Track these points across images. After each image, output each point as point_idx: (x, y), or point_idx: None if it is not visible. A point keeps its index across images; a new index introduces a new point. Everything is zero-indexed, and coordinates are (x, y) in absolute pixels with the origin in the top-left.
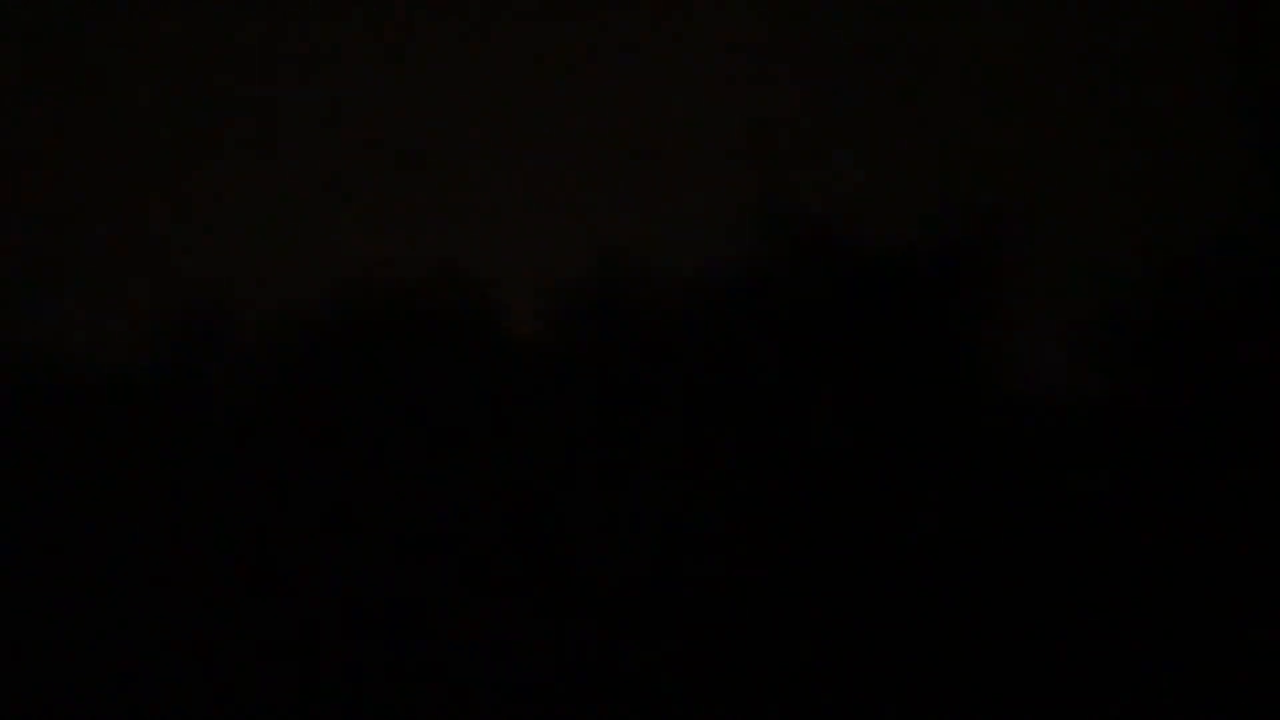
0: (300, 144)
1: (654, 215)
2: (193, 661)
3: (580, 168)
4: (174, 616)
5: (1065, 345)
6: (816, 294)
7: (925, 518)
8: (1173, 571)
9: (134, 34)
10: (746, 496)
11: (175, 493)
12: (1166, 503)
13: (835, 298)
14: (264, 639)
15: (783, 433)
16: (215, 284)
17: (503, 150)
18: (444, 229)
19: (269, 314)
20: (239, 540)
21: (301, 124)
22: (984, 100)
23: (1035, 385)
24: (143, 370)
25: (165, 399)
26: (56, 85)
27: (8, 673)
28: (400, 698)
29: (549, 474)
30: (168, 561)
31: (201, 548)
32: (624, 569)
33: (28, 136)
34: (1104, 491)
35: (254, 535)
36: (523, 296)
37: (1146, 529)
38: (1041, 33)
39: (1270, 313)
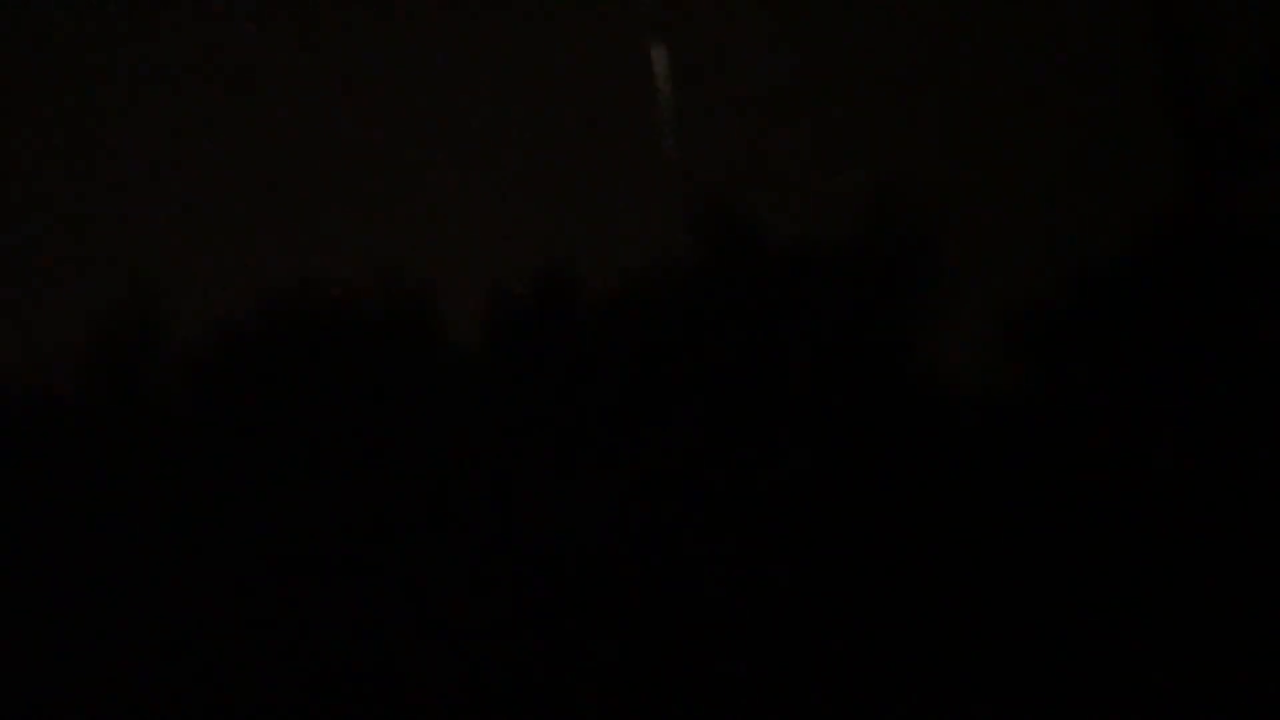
0: (234, 147)
1: (595, 220)
2: (140, 671)
3: (522, 171)
4: (114, 629)
5: (995, 339)
6: (751, 292)
7: (863, 512)
8: (1114, 565)
9: (61, 32)
10: (690, 499)
11: (109, 506)
12: (1102, 498)
13: (769, 295)
14: (208, 654)
15: (723, 433)
16: (146, 291)
17: (442, 153)
18: (382, 233)
19: (202, 321)
20: (178, 552)
21: (236, 127)
22: (912, 94)
23: (966, 379)
24: (72, 381)
25: (95, 410)
26: None
27: None
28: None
29: (492, 478)
30: (106, 576)
31: (140, 559)
32: (570, 576)
33: None
34: (1037, 486)
35: (192, 546)
36: (463, 301)
37: (1081, 523)
38: (969, 24)
39: (1202, 306)
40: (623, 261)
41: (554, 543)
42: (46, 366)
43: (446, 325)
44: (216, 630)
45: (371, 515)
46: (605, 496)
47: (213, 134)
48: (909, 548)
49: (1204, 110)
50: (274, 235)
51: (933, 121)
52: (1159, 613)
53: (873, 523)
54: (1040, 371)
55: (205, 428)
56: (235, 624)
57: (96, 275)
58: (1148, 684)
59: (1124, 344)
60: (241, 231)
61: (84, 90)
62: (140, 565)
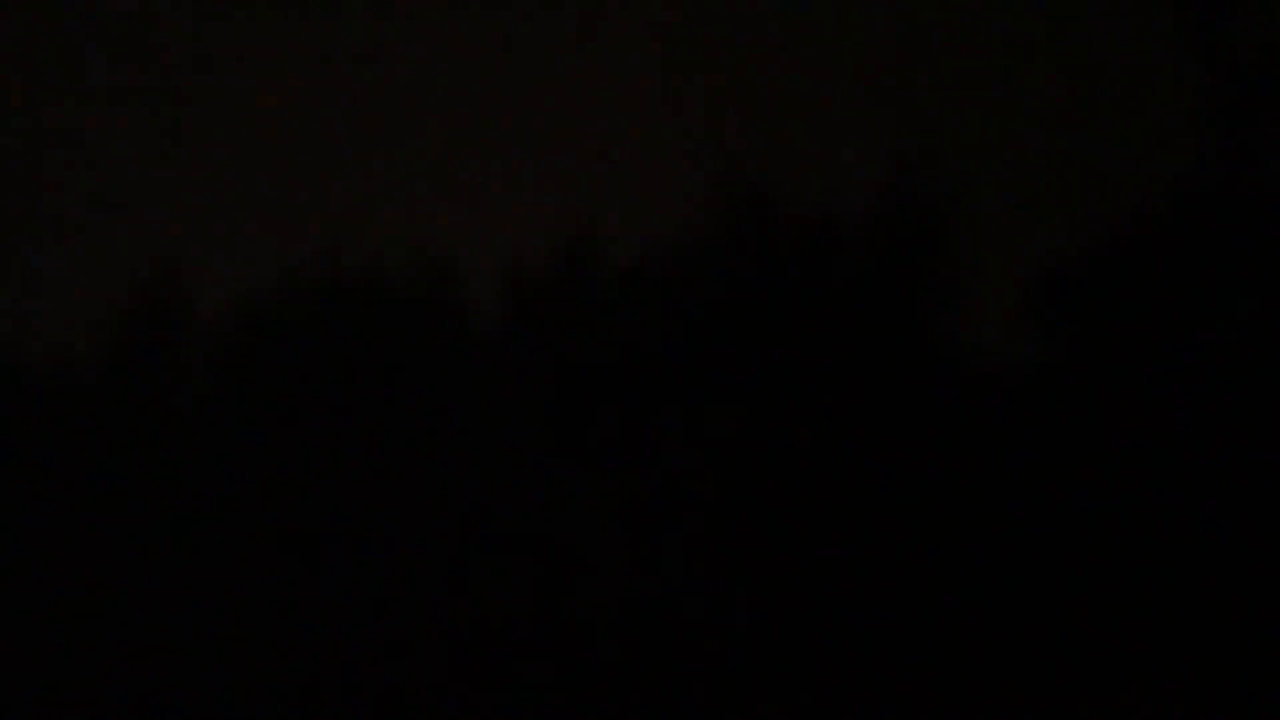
0: (259, 127)
1: (616, 195)
2: (153, 652)
3: (544, 148)
4: (132, 607)
5: (1011, 309)
6: (769, 267)
7: (877, 485)
8: (1122, 536)
9: (82, 19)
10: (710, 471)
11: (135, 483)
12: (1114, 468)
13: (787, 270)
14: (226, 629)
15: (742, 406)
16: (171, 268)
17: (466, 131)
18: (406, 210)
19: (228, 297)
20: (202, 529)
21: (259, 107)
22: (931, 68)
23: (988, 347)
24: (99, 359)
25: (122, 387)
26: (3, 76)
27: None
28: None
29: (512, 454)
30: (129, 553)
31: (164, 537)
32: (589, 548)
33: None
34: (1049, 455)
35: (217, 522)
36: (486, 277)
37: (1093, 494)
38: None
39: (1217, 276)
40: (644, 234)
41: (577, 513)
42: (72, 343)
43: (469, 300)
44: (239, 600)
45: (394, 489)
46: (628, 465)
47: (236, 112)
48: (930, 513)
49: (1230, 72)
50: (296, 213)
51: (954, 91)
52: (1178, 580)
53: (895, 489)
54: (1063, 340)
55: (229, 403)
56: (258, 594)
57: (121, 253)
58: (1165, 647)
59: (1148, 310)
60: (264, 209)
61: (109, 68)
62: (164, 538)
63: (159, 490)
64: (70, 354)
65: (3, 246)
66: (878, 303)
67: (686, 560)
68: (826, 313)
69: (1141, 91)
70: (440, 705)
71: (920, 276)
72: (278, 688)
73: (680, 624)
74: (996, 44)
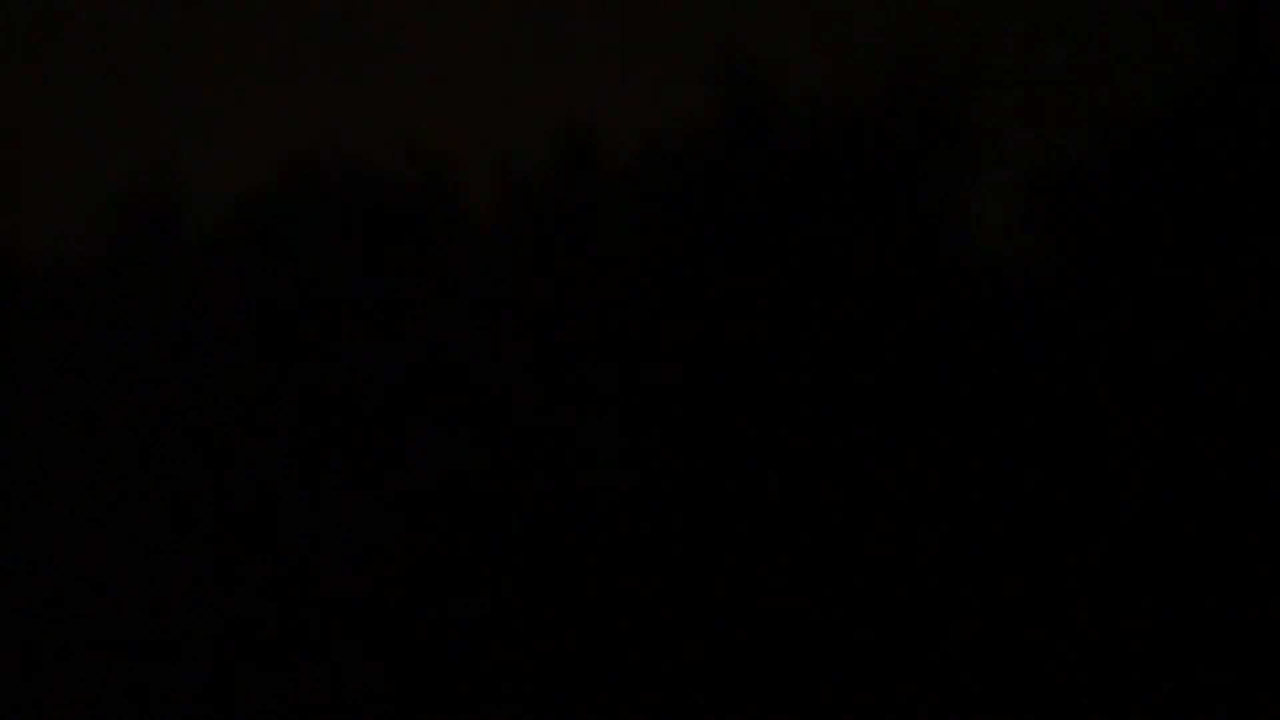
0: (252, 18)
1: (612, 85)
2: (151, 565)
3: (541, 41)
4: (124, 503)
5: (1014, 209)
6: (770, 157)
7: (878, 383)
8: (1120, 438)
9: None
10: (711, 368)
11: (129, 382)
12: (1116, 366)
13: (789, 161)
14: (226, 534)
15: (742, 298)
16: (166, 163)
17: (461, 24)
18: (400, 101)
19: (222, 193)
20: (200, 429)
21: (254, 2)
22: None
23: (983, 249)
24: (95, 255)
25: (117, 282)
26: None
27: None
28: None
29: (507, 348)
30: (126, 453)
31: (160, 437)
32: (584, 447)
33: None
34: (1052, 356)
35: (213, 421)
36: (482, 172)
37: (1094, 394)
38: None
39: (1222, 177)
40: (643, 128)
41: (572, 408)
42: (66, 239)
43: (465, 194)
44: (234, 492)
45: (387, 386)
46: (623, 359)
47: (230, 8)
48: (929, 413)
49: None
50: (291, 108)
51: None
52: (1174, 495)
53: (895, 386)
54: (1066, 241)
55: (222, 298)
56: (252, 487)
57: (115, 148)
58: (1168, 572)
59: (1151, 212)
60: (258, 105)
61: None
62: (158, 435)
63: (154, 385)
64: (65, 250)
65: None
66: (880, 199)
67: (686, 457)
68: (828, 208)
69: None
70: (440, 593)
71: (923, 172)
72: (275, 575)
73: (678, 521)
74: None
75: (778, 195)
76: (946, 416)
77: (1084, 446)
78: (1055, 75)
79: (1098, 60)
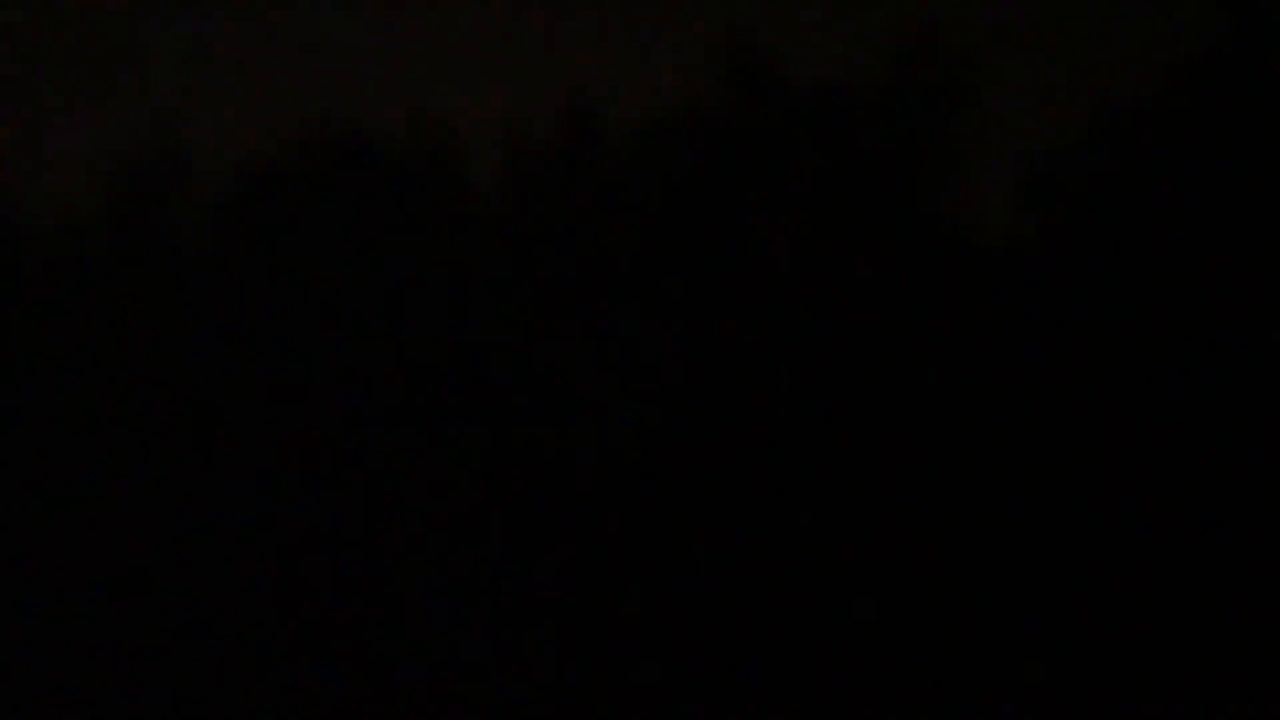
0: None
1: (618, 58)
2: (148, 531)
3: (545, 12)
4: (129, 466)
5: (1014, 189)
6: (773, 134)
7: (877, 357)
8: (1116, 415)
9: None
10: (709, 338)
11: (131, 349)
12: (1111, 347)
13: (790, 137)
14: (228, 505)
15: (744, 273)
16: (170, 132)
17: None
18: (407, 73)
19: (225, 159)
20: (197, 396)
21: None
22: None
23: (983, 228)
24: (97, 222)
25: (121, 251)
26: None
27: None
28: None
29: (513, 321)
30: (128, 423)
31: (159, 404)
32: (590, 419)
33: None
34: (1050, 335)
35: (213, 388)
36: (486, 140)
37: (1089, 373)
38: None
39: (1222, 158)
40: (647, 101)
41: (577, 381)
42: (70, 202)
43: (468, 162)
44: (239, 459)
45: (392, 353)
46: (628, 332)
47: None
48: (926, 396)
49: None
50: (295, 75)
51: None
52: (1171, 485)
53: (894, 361)
54: (1066, 221)
55: (226, 264)
56: (257, 453)
57: (119, 114)
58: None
59: (1150, 193)
60: (262, 71)
61: None
62: (161, 403)
63: (159, 350)
64: (69, 213)
65: (4, 104)
66: (881, 175)
67: (688, 430)
68: (829, 183)
69: None
70: (449, 544)
71: (924, 150)
72: (291, 532)
73: (685, 480)
74: None
75: (781, 171)
76: (944, 399)
77: (1082, 431)
78: (1054, 59)
79: (1097, 44)
